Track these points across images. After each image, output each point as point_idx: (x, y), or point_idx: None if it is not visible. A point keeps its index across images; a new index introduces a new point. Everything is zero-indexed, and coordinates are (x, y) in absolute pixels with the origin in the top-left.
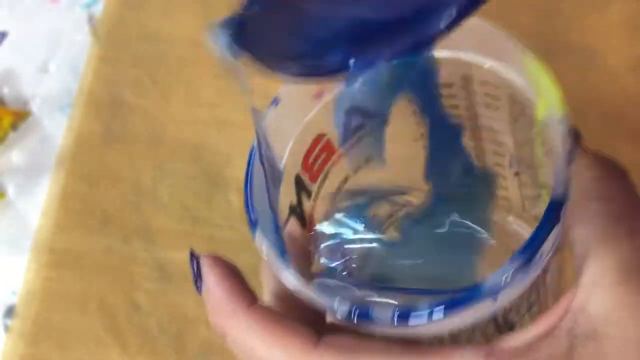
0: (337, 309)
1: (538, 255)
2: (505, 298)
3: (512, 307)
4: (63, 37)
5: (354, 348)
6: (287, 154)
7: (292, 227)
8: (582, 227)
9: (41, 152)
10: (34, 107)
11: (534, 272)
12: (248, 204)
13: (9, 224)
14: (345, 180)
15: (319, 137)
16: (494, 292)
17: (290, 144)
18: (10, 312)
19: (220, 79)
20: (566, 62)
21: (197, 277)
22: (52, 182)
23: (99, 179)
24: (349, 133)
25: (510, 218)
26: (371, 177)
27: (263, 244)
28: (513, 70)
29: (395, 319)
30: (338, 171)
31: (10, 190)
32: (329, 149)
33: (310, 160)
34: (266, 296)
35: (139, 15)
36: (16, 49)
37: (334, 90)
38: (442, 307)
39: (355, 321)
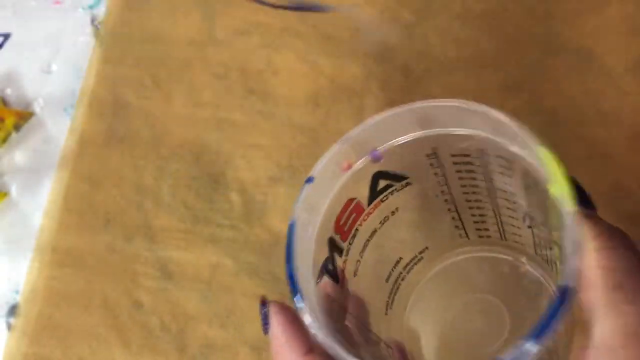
0: None
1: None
2: None
3: None
4: (66, 38)
5: None
6: (321, 220)
7: (325, 284)
8: (589, 294)
9: (44, 153)
10: (37, 107)
11: (544, 345)
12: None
13: (12, 223)
14: (373, 233)
15: (350, 201)
16: None
17: (323, 211)
18: (13, 310)
19: (220, 79)
20: (564, 63)
21: (265, 321)
22: (54, 182)
23: (101, 178)
24: (376, 194)
25: (524, 259)
26: (398, 228)
27: (308, 320)
28: (526, 153)
29: None
30: (367, 227)
31: (13, 190)
32: (358, 210)
33: (342, 221)
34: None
35: (141, 16)
36: (19, 49)
37: (361, 161)
38: None
39: None
